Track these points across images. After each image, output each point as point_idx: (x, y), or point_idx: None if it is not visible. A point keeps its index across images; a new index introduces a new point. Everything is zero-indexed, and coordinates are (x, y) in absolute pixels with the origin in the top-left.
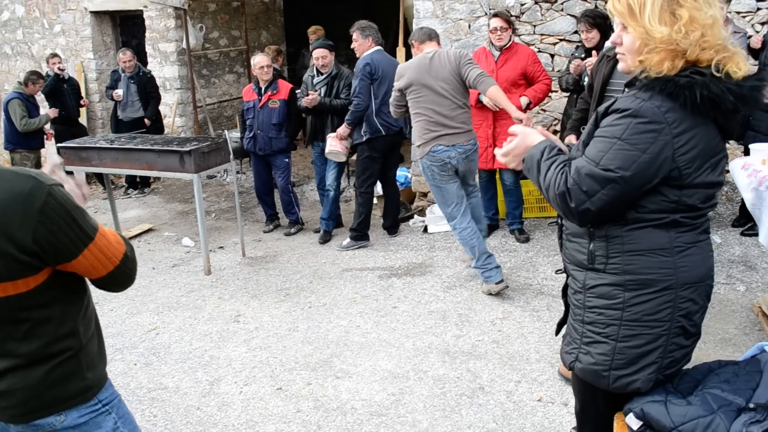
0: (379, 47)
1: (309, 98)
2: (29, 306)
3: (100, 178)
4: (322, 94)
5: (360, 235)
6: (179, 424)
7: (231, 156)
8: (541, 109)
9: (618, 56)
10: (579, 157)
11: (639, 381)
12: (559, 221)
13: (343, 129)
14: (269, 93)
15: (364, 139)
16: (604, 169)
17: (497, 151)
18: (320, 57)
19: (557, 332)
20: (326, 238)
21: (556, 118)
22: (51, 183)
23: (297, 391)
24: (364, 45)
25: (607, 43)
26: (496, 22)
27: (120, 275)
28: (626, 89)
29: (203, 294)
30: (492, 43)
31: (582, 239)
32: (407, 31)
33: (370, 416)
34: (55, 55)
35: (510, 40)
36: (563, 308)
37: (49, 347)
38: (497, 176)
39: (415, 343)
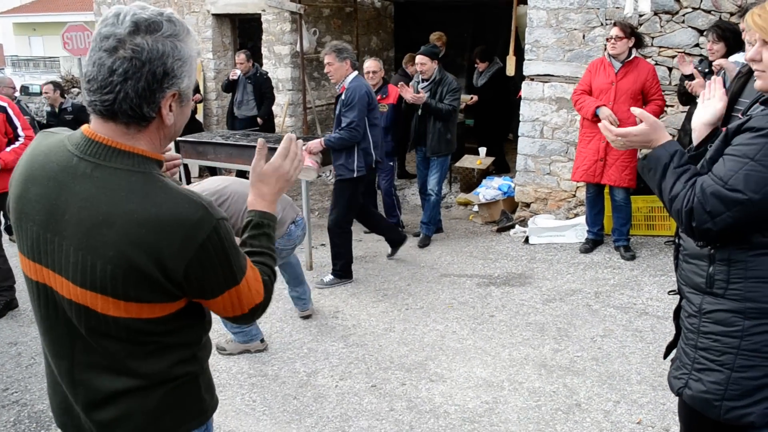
0: (356, 72)
1: (416, 95)
2: (157, 332)
3: (212, 171)
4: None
5: (344, 273)
6: (276, 411)
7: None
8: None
9: (756, 74)
10: (704, 174)
11: (754, 414)
12: (677, 240)
13: (315, 144)
14: (378, 97)
15: (355, 175)
16: (731, 190)
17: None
18: (420, 64)
19: (665, 355)
20: (426, 243)
21: (672, 134)
22: (219, 217)
23: (391, 390)
24: (342, 69)
25: (739, 58)
26: (614, 31)
27: (243, 319)
28: (762, 107)
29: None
30: (612, 55)
31: (701, 261)
32: (518, 41)
33: (463, 422)
34: None
35: (627, 52)
36: (673, 330)
37: (172, 370)
38: (605, 191)
39: (511, 354)
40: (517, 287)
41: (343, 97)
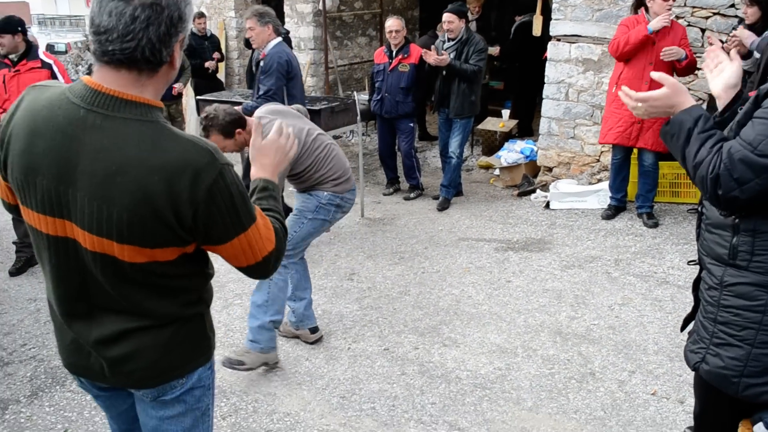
0: (280, 38)
1: (439, 57)
2: (169, 274)
3: None
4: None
5: None
6: (288, 372)
7: (358, 117)
8: (687, 88)
9: None
10: (732, 139)
11: None
12: (699, 209)
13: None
14: (400, 56)
15: None
16: (760, 155)
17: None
18: (447, 22)
19: (683, 328)
20: (445, 206)
21: (701, 98)
22: (224, 162)
23: (403, 354)
24: (263, 34)
25: None
26: None
27: (258, 270)
28: None
29: (321, 250)
30: (650, 15)
31: (724, 231)
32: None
33: (474, 387)
34: (201, 15)
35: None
36: (692, 302)
37: (183, 310)
38: (632, 156)
39: (526, 320)
40: (536, 253)
41: (262, 63)
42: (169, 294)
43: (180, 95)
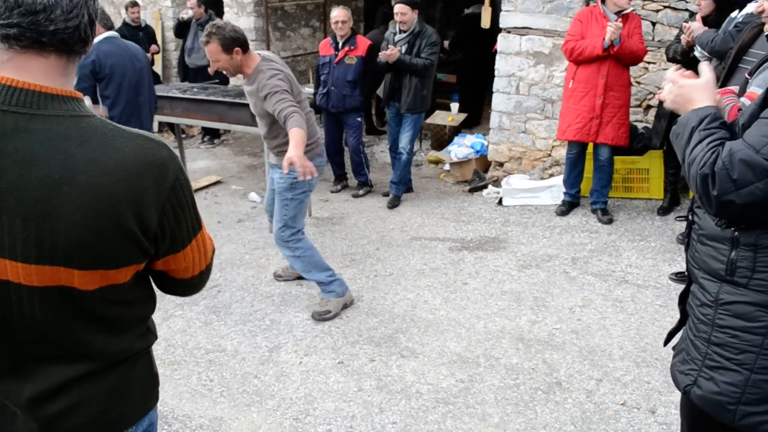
0: (109, 33)
1: (388, 52)
2: (122, 300)
3: (171, 127)
4: (403, 52)
5: None
6: (235, 392)
7: None
8: (636, 81)
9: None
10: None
11: None
12: (690, 216)
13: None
14: (346, 48)
15: None
16: (765, 157)
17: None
18: (400, 13)
19: (666, 342)
20: (395, 203)
21: (651, 92)
22: (175, 154)
23: (359, 367)
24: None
25: (747, 11)
26: None
27: (203, 277)
28: None
29: (267, 253)
30: (606, 6)
31: (721, 244)
32: None
33: (437, 403)
34: (135, 4)
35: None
36: (676, 315)
37: (133, 345)
38: (587, 151)
39: (486, 326)
40: (491, 252)
41: None
42: (121, 326)
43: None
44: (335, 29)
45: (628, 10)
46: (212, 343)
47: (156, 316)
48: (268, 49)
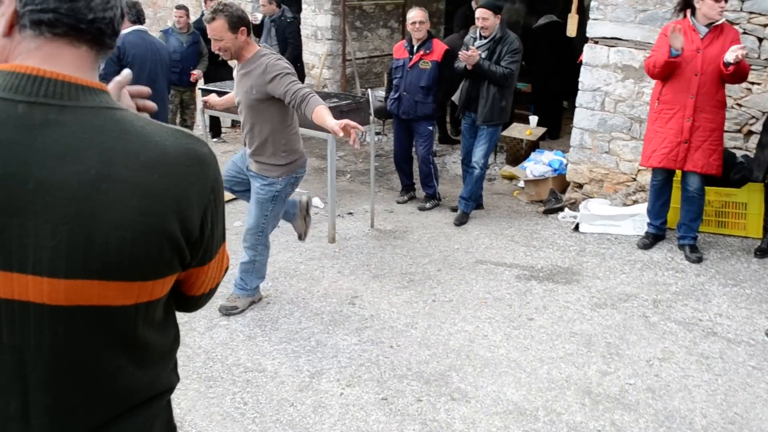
0: (136, 26)
1: (469, 53)
2: (152, 321)
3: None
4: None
5: None
6: (268, 420)
7: (371, 118)
8: (736, 104)
9: None
10: None
11: None
12: None
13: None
14: (421, 52)
15: None
16: None
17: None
18: (482, 18)
19: None
20: (463, 220)
21: (754, 116)
22: None
23: (404, 406)
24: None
25: None
26: None
27: (207, 297)
28: None
29: (323, 264)
30: (696, 19)
31: None
32: None
33: None
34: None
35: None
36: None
37: (160, 381)
38: (675, 178)
39: (550, 372)
40: (563, 285)
41: None
42: (153, 356)
43: (196, 82)
44: (411, 30)
45: (721, 21)
46: (252, 360)
47: (200, 325)
48: (344, 48)
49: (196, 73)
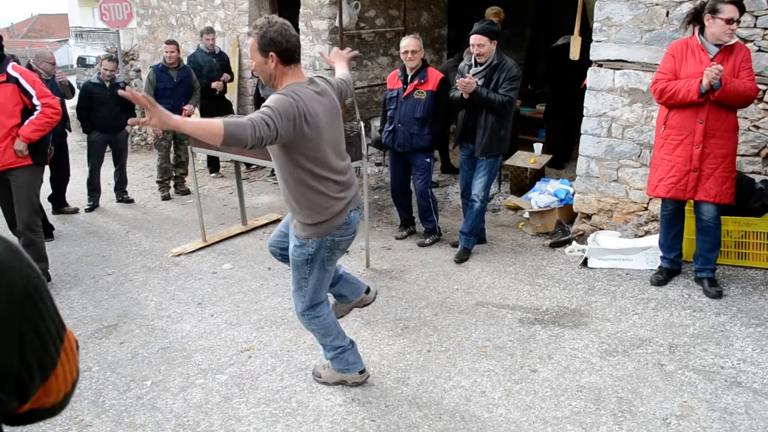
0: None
1: (466, 80)
2: None
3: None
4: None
5: None
6: None
7: (364, 152)
8: (753, 126)
9: None
10: None
11: None
12: None
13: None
14: (416, 82)
15: None
16: None
17: None
18: (477, 45)
19: None
20: (464, 257)
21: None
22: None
23: None
24: None
25: None
26: (732, 12)
27: (69, 397)
28: None
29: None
30: (705, 37)
31: None
32: (585, 19)
33: None
34: (210, 30)
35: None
36: None
37: None
38: (686, 207)
39: None
40: (569, 329)
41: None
42: None
43: (189, 117)
44: (404, 60)
45: (733, 41)
46: (226, 427)
47: (175, 384)
48: None
49: (188, 108)
